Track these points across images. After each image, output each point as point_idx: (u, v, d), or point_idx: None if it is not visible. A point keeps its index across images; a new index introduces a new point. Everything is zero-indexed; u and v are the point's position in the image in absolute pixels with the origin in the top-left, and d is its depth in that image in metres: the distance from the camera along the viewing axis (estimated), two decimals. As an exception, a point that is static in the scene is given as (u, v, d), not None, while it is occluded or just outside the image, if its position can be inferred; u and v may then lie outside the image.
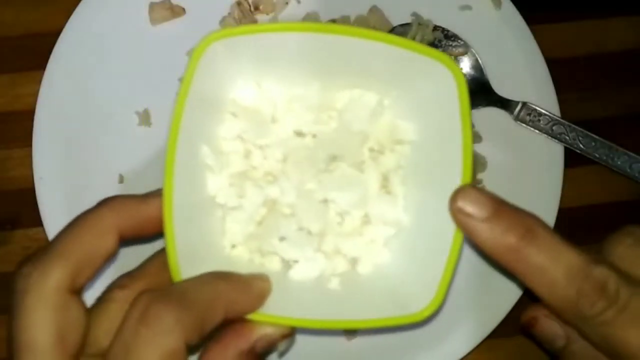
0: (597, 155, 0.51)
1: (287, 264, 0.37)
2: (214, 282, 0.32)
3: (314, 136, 0.38)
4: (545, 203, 0.50)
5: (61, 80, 0.51)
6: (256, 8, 0.54)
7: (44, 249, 0.32)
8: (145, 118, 0.52)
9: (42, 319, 0.30)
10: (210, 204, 0.37)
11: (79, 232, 0.32)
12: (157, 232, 0.33)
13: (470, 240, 0.33)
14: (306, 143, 0.38)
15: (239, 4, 0.53)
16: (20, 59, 0.53)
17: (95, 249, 0.32)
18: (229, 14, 0.53)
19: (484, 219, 0.32)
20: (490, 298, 0.49)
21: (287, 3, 0.54)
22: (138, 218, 0.33)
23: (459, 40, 0.53)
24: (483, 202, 0.32)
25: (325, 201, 0.37)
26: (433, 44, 0.53)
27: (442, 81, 0.34)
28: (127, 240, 0.33)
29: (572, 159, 0.51)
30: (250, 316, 0.33)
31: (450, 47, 0.53)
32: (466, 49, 0.53)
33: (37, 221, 0.49)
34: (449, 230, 0.34)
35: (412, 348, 0.48)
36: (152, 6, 0.53)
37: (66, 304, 0.30)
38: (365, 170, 0.38)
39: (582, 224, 0.52)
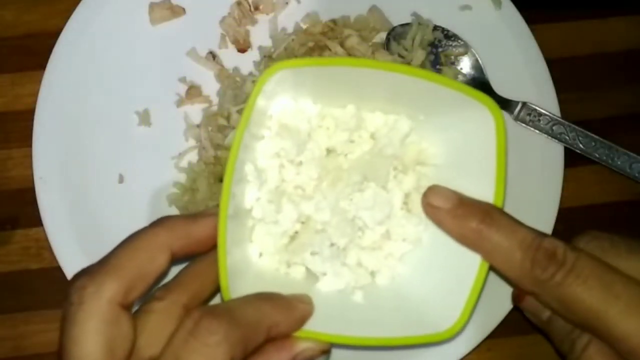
0: (597, 155, 0.51)
1: (312, 275, 0.39)
2: (261, 304, 0.34)
3: (346, 156, 0.39)
4: (545, 203, 0.50)
5: (61, 80, 0.51)
6: (256, 8, 0.54)
7: (99, 262, 0.33)
8: (145, 118, 0.52)
9: (94, 331, 0.31)
10: (244, 214, 0.38)
11: (134, 249, 0.33)
12: (205, 251, 0.35)
13: (441, 228, 0.37)
14: (340, 163, 0.39)
15: (239, 4, 0.53)
16: (20, 59, 0.54)
17: (148, 266, 0.33)
18: (229, 14, 0.53)
19: (449, 209, 0.36)
20: (490, 299, 0.49)
21: (287, 3, 0.54)
22: (190, 238, 0.34)
23: (459, 40, 0.53)
24: (448, 196, 0.37)
25: (354, 218, 0.39)
26: (433, 44, 0.53)
27: (477, 116, 0.36)
28: (178, 259, 0.34)
29: (572, 159, 0.51)
30: None
31: (450, 47, 0.53)
32: (466, 49, 0.53)
33: (37, 221, 0.49)
34: (472, 255, 0.36)
35: (412, 348, 0.48)
36: (152, 6, 0.53)
37: (118, 318, 0.31)
38: (389, 189, 0.39)
39: (582, 224, 0.52)
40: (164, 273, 0.34)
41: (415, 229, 0.39)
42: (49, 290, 0.50)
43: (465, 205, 0.36)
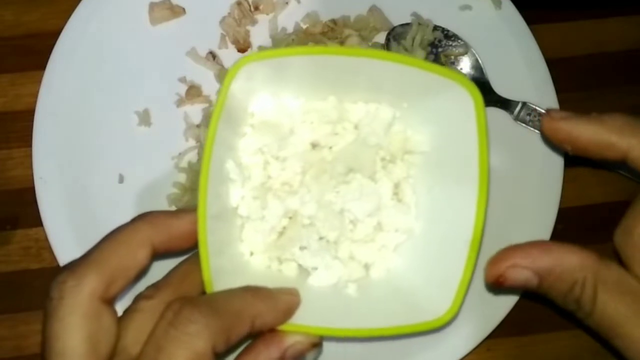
0: (597, 155, 0.51)
1: (304, 271, 0.38)
2: (243, 294, 0.33)
3: (330, 148, 0.39)
4: (545, 203, 0.50)
5: (61, 80, 0.51)
6: (256, 8, 0.54)
7: (80, 258, 0.33)
8: (145, 118, 0.52)
9: (75, 326, 0.31)
10: (231, 213, 0.38)
11: (114, 244, 0.33)
12: (187, 248, 0.35)
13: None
14: (324, 155, 0.39)
15: (239, 4, 0.53)
16: (20, 59, 0.54)
17: (129, 260, 0.33)
18: (229, 14, 0.53)
19: None
20: (490, 298, 0.49)
21: (287, 3, 0.54)
22: (171, 233, 0.34)
23: (459, 40, 0.53)
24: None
25: (342, 211, 0.39)
26: (433, 44, 0.53)
27: (457, 98, 0.36)
28: (159, 254, 0.34)
29: (572, 159, 0.51)
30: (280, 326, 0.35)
31: (450, 47, 0.53)
32: (466, 49, 0.53)
33: (37, 221, 0.49)
34: (462, 237, 0.35)
35: (412, 348, 0.48)
36: (152, 6, 0.53)
37: (99, 312, 0.31)
38: (378, 179, 0.39)
39: (582, 224, 0.52)
40: (145, 268, 0.34)
41: (407, 218, 0.39)
42: (49, 290, 0.50)
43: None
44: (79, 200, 0.50)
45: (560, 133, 0.36)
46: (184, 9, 0.53)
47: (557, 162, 0.51)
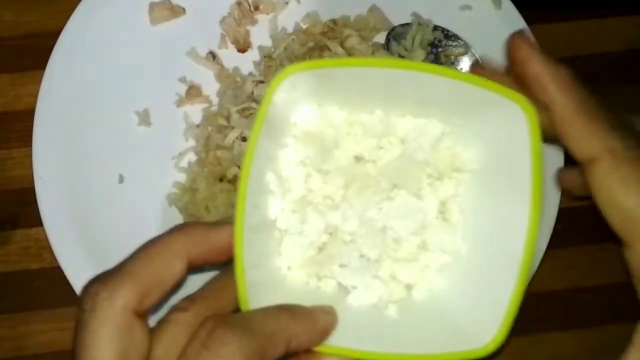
0: (597, 155, 0.51)
1: (344, 289, 0.37)
2: (279, 314, 0.32)
3: (375, 162, 0.38)
4: (545, 203, 0.50)
5: (61, 80, 0.51)
6: (256, 8, 0.54)
7: (113, 269, 0.32)
8: (145, 118, 0.52)
9: (106, 339, 0.30)
10: (269, 225, 0.37)
11: (149, 255, 0.32)
12: (225, 261, 0.34)
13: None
14: (368, 170, 0.38)
15: (239, 4, 0.53)
16: (20, 59, 0.54)
17: (164, 273, 0.32)
18: (229, 14, 0.53)
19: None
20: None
21: (287, 3, 0.54)
22: (208, 245, 0.33)
23: (459, 40, 0.53)
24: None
25: (384, 228, 0.37)
26: (433, 44, 0.53)
27: (509, 115, 0.35)
28: (196, 267, 0.34)
29: (572, 159, 0.51)
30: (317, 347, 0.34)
31: (450, 47, 0.53)
32: (466, 49, 0.53)
33: (37, 221, 0.49)
34: (510, 262, 0.34)
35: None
36: (152, 6, 0.53)
37: (131, 326, 0.31)
38: (423, 197, 0.38)
39: (582, 224, 0.52)
40: (181, 280, 0.33)
41: (453, 239, 0.37)
42: (49, 290, 0.50)
43: None
44: (79, 200, 0.50)
45: (518, 52, 0.36)
46: (184, 9, 0.53)
47: (557, 162, 0.51)
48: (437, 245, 0.37)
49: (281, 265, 0.37)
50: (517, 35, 0.37)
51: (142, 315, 0.32)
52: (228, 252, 0.33)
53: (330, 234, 0.37)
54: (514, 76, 0.37)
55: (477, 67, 0.37)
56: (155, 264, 0.32)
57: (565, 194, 0.40)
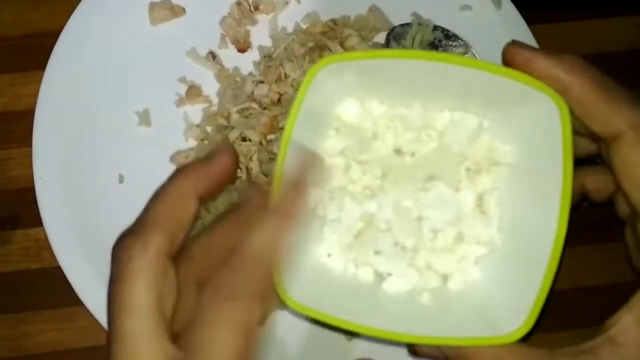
0: (597, 155, 0.51)
1: (380, 276, 0.38)
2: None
3: (413, 154, 0.39)
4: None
5: (61, 80, 0.51)
6: (256, 8, 0.54)
7: (138, 220, 0.33)
8: (145, 118, 0.52)
9: (145, 285, 0.31)
10: (309, 213, 0.37)
11: (166, 201, 0.34)
12: (230, 184, 0.35)
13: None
14: (405, 161, 0.39)
15: (238, 4, 0.53)
16: (20, 59, 0.53)
17: (184, 214, 0.33)
18: (229, 14, 0.53)
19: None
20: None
21: (287, 3, 0.54)
22: (211, 179, 0.34)
23: (459, 40, 0.53)
24: None
25: (420, 218, 0.38)
26: (433, 44, 0.53)
27: (544, 109, 0.35)
28: (205, 200, 0.35)
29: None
30: (350, 327, 0.35)
31: (450, 47, 0.53)
32: (466, 49, 0.53)
33: (37, 221, 0.49)
34: (542, 253, 0.35)
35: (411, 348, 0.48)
36: (152, 6, 0.53)
37: (165, 270, 0.32)
38: (461, 189, 0.39)
39: (582, 224, 0.52)
40: (197, 217, 0.34)
41: (490, 231, 0.38)
42: (49, 290, 0.50)
43: None
44: (79, 200, 0.50)
45: (518, 57, 0.36)
46: (184, 9, 0.54)
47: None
48: (474, 237, 0.38)
49: (321, 253, 0.38)
50: (511, 44, 0.37)
51: (173, 258, 0.32)
52: (231, 176, 0.34)
53: (367, 222, 0.38)
54: None
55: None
56: (175, 207, 0.33)
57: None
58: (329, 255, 0.38)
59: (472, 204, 0.38)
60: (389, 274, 0.38)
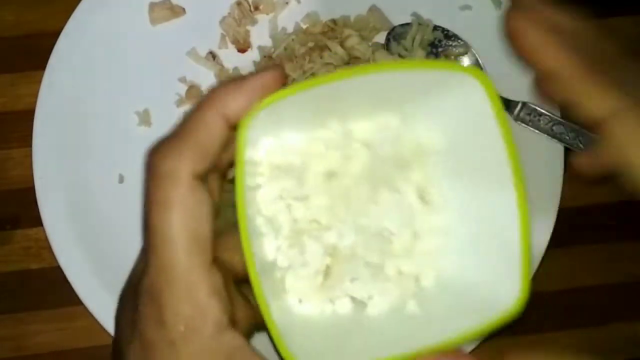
0: (597, 155, 0.51)
1: (360, 303, 0.37)
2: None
3: (347, 173, 0.38)
4: (545, 203, 0.50)
5: (61, 80, 0.51)
6: (256, 8, 0.54)
7: (170, 134, 0.33)
8: (145, 118, 0.52)
9: (179, 200, 0.31)
10: (270, 267, 0.36)
11: (196, 120, 0.32)
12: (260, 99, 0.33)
13: None
14: (345, 183, 0.38)
15: (238, 4, 0.53)
16: (20, 59, 0.54)
17: (213, 134, 0.32)
18: (229, 13, 0.53)
19: None
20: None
21: (287, 3, 0.54)
22: (238, 105, 0.32)
23: (459, 40, 0.53)
24: None
25: (379, 231, 0.37)
26: (433, 44, 0.53)
27: (467, 90, 0.35)
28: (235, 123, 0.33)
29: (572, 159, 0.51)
30: None
31: (450, 47, 0.53)
32: (466, 49, 0.53)
33: (37, 221, 0.49)
34: (508, 222, 0.34)
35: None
36: (152, 6, 0.53)
37: (198, 185, 0.31)
38: (401, 189, 0.38)
39: (582, 224, 0.52)
40: (226, 139, 0.33)
41: (440, 218, 0.38)
42: (49, 290, 0.51)
43: None
44: (79, 200, 0.50)
45: (514, 26, 0.36)
46: (184, 9, 0.53)
47: (557, 162, 0.51)
48: (427, 229, 0.38)
49: (291, 303, 0.36)
50: (511, 11, 0.36)
51: (203, 176, 0.32)
52: (260, 94, 0.33)
53: (331, 255, 0.37)
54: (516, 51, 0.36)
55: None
56: (206, 124, 0.32)
57: (576, 180, 0.39)
58: (300, 301, 0.36)
59: (415, 198, 0.38)
60: (370, 297, 0.37)
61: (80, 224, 0.49)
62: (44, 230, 0.49)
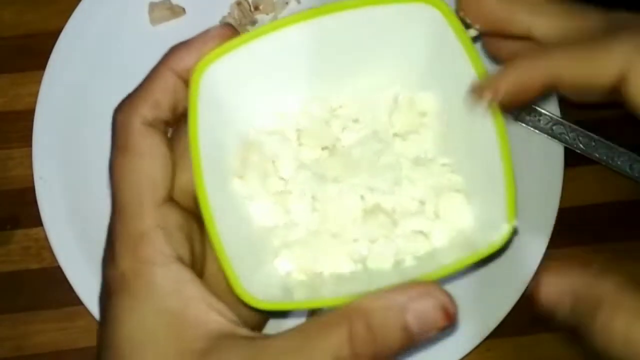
0: (597, 155, 0.51)
1: (361, 259, 0.36)
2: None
3: (345, 146, 0.38)
4: (545, 203, 0.50)
5: (61, 80, 0.51)
6: (256, 8, 0.54)
7: (130, 92, 0.37)
8: (145, 118, 0.52)
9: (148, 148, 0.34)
10: (263, 235, 0.36)
11: (150, 77, 0.37)
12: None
13: None
14: (343, 152, 0.37)
15: (238, 4, 0.53)
16: (20, 59, 0.54)
17: (164, 84, 0.36)
18: (229, 13, 0.53)
19: None
20: (490, 298, 0.49)
21: (287, 3, 0.54)
22: (186, 63, 0.37)
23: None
24: None
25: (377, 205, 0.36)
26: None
27: (425, 21, 0.34)
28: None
29: (572, 159, 0.51)
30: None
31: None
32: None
33: (37, 221, 0.49)
34: (491, 158, 0.33)
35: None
36: (152, 6, 0.53)
37: (149, 133, 0.34)
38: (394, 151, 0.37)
39: (582, 224, 0.52)
40: (180, 93, 0.36)
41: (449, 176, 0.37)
42: (49, 290, 0.51)
43: None
44: (79, 200, 0.50)
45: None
46: (184, 9, 0.53)
47: (557, 162, 0.51)
48: (442, 186, 0.37)
49: (282, 274, 0.36)
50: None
51: (155, 124, 0.35)
52: (212, 47, 0.35)
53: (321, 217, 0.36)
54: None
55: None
56: (156, 81, 0.37)
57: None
58: (288, 274, 0.35)
59: (408, 164, 0.37)
60: (370, 252, 0.36)
61: (80, 224, 0.49)
62: (44, 230, 0.49)
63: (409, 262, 0.36)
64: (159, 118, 0.34)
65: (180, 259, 0.31)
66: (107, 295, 0.31)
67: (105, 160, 0.51)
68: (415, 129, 0.38)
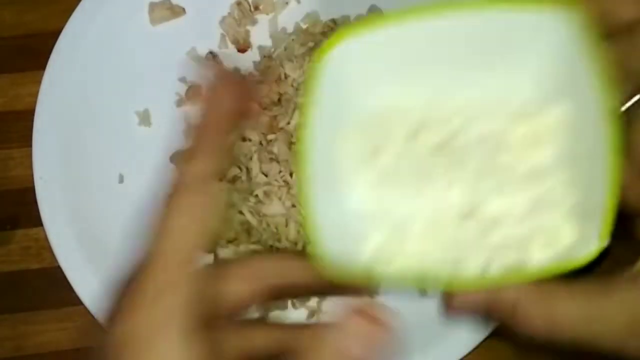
0: (597, 155, 0.51)
1: (449, 260, 0.35)
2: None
3: (459, 146, 0.36)
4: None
5: (61, 80, 0.51)
6: (256, 8, 0.54)
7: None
8: (145, 118, 0.52)
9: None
10: (357, 219, 0.35)
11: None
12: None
13: None
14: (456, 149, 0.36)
15: (238, 4, 0.53)
16: (20, 59, 0.54)
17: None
18: (229, 13, 0.53)
19: None
20: (490, 298, 0.49)
21: (287, 3, 0.54)
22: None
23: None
24: None
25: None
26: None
27: (567, 39, 0.33)
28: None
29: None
30: None
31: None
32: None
33: (37, 221, 0.49)
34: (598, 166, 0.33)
35: (411, 347, 0.48)
36: (152, 6, 0.53)
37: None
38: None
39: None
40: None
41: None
42: (49, 290, 0.50)
43: None
44: (79, 200, 0.50)
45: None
46: (184, 9, 0.54)
47: (557, 162, 0.51)
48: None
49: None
50: None
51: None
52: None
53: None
54: None
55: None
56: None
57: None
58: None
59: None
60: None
61: (80, 224, 0.49)
62: (44, 230, 0.49)
63: (495, 269, 0.35)
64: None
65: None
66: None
67: (105, 160, 0.52)
68: (536, 140, 0.37)
